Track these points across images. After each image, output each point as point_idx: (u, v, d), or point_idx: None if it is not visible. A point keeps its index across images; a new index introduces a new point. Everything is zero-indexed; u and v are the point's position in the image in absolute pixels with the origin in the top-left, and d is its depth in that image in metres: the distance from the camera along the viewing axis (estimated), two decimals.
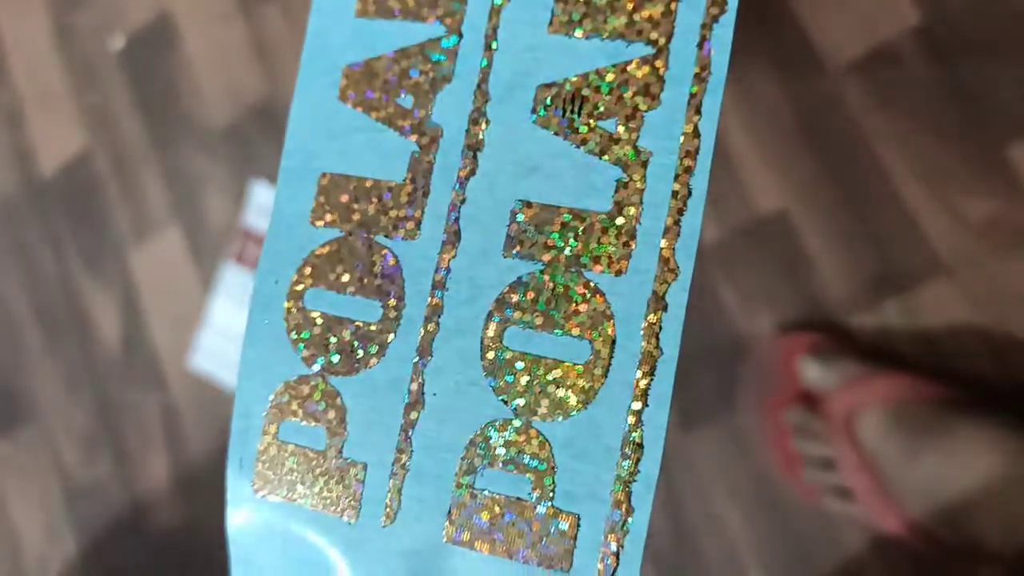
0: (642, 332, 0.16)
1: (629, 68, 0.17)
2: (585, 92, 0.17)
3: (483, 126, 0.17)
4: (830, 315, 0.47)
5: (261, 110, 0.60)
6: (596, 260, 0.17)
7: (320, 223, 0.18)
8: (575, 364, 0.16)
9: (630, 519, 0.16)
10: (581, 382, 0.16)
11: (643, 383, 0.16)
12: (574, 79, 0.17)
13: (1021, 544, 0.40)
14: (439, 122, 0.18)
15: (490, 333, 0.17)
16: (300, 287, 0.18)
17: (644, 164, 0.16)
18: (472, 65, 0.18)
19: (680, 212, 0.16)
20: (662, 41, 0.17)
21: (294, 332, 0.18)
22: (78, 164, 0.64)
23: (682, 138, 0.16)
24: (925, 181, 0.47)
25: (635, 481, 0.16)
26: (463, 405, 0.17)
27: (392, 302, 0.17)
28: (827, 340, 0.46)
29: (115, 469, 0.61)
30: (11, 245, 0.66)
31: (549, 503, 0.16)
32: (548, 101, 0.17)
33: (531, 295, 0.17)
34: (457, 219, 0.17)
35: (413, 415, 0.17)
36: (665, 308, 0.16)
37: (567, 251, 0.17)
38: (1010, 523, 0.40)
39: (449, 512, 0.16)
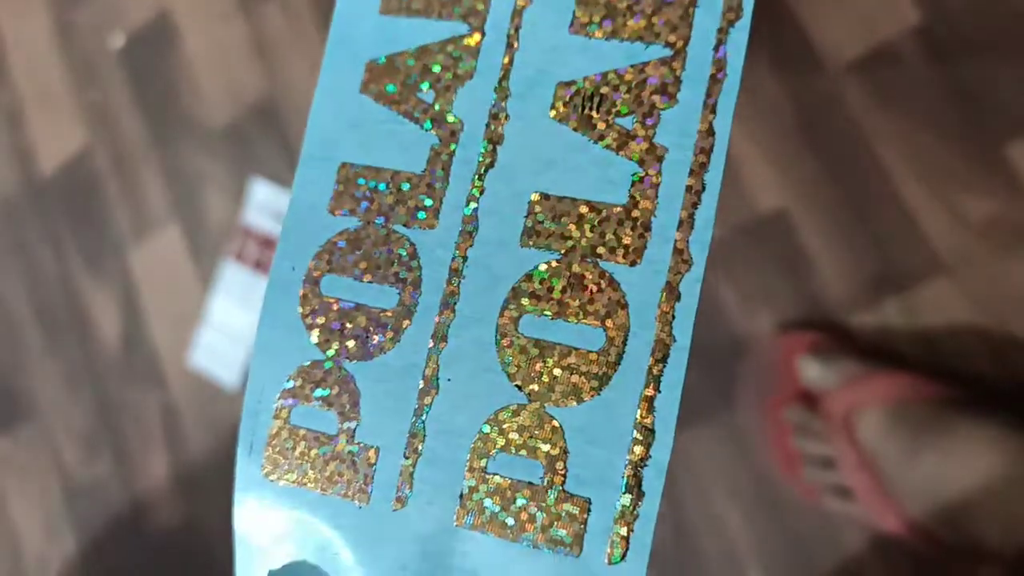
0: (655, 320, 0.16)
1: (647, 69, 0.17)
2: (604, 90, 0.18)
3: (503, 121, 0.18)
4: (830, 314, 0.48)
5: (261, 109, 0.60)
6: (612, 251, 0.17)
7: (338, 212, 0.18)
8: (589, 351, 0.17)
9: (640, 504, 0.16)
10: (594, 368, 0.17)
11: (656, 370, 0.16)
12: (593, 78, 0.18)
13: (1021, 543, 0.40)
14: (459, 116, 0.18)
15: (505, 321, 0.17)
16: (317, 273, 0.18)
17: (660, 159, 0.17)
18: (494, 63, 0.18)
19: (694, 206, 0.17)
20: (679, 44, 0.17)
21: (309, 317, 0.18)
22: (78, 163, 0.64)
23: (697, 136, 0.17)
24: (925, 180, 0.47)
25: (646, 467, 0.16)
26: (477, 390, 0.17)
27: (409, 289, 0.18)
28: (827, 339, 0.46)
29: (115, 467, 0.61)
30: (11, 243, 0.66)
31: (560, 488, 0.16)
32: (567, 98, 0.18)
33: (547, 284, 0.17)
34: (475, 210, 0.18)
35: (427, 400, 0.17)
36: (678, 298, 0.16)
37: (583, 242, 0.17)
38: (1010, 522, 0.40)
39: (461, 496, 0.17)
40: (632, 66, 0.17)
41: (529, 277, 0.17)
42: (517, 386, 0.17)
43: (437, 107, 0.18)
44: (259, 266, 0.58)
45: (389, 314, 0.18)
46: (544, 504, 0.16)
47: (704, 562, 0.48)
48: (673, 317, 0.16)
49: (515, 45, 0.18)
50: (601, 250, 0.17)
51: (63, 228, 0.64)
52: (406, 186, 0.18)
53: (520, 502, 0.16)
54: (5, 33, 0.68)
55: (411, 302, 0.18)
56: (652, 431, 0.16)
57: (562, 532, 0.16)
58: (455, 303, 0.17)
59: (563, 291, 0.17)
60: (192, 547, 0.58)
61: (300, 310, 0.18)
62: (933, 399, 0.43)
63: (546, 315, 0.17)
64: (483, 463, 0.17)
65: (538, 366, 0.17)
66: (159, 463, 0.60)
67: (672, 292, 0.16)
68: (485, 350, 0.17)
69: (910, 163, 0.47)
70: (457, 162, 0.18)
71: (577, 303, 0.17)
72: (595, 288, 0.17)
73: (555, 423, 0.17)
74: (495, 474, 0.17)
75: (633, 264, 0.17)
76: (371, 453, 0.17)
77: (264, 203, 0.59)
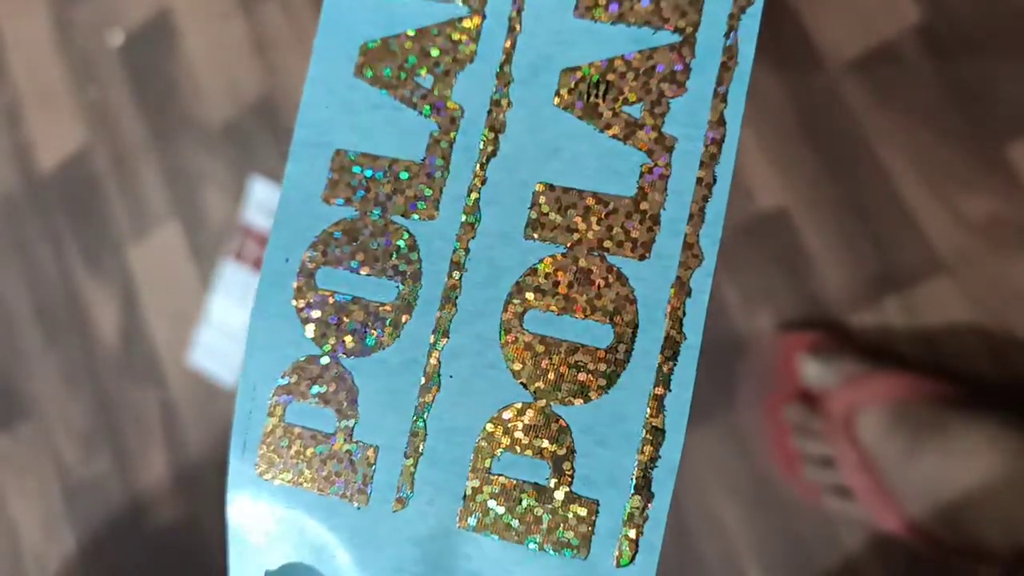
0: (665, 317, 0.16)
1: (655, 55, 0.17)
2: (610, 77, 0.17)
3: (505, 108, 0.17)
4: (830, 313, 0.47)
5: (260, 107, 0.60)
6: (619, 245, 0.16)
7: (333, 201, 0.18)
8: (597, 348, 0.16)
9: (650, 506, 0.15)
10: (602, 366, 0.16)
11: (666, 368, 0.16)
12: (599, 64, 0.17)
13: (1020, 543, 0.40)
14: (459, 102, 0.17)
15: (509, 315, 0.17)
16: (312, 265, 0.18)
17: (669, 150, 0.16)
18: (495, 47, 0.17)
19: (705, 199, 0.16)
20: (688, 29, 0.17)
21: (304, 311, 0.17)
22: (77, 161, 0.64)
23: (707, 126, 0.16)
24: (925, 179, 0.47)
25: (656, 467, 0.15)
26: (480, 388, 0.16)
27: (408, 282, 0.17)
28: (827, 338, 0.46)
29: (114, 466, 0.61)
30: (10, 242, 0.66)
31: (568, 489, 0.16)
32: (572, 85, 0.17)
33: (553, 278, 0.17)
34: (477, 200, 0.17)
35: (428, 397, 0.17)
36: (689, 293, 0.16)
37: (590, 235, 0.17)
38: (1010, 522, 0.40)
39: (464, 497, 0.16)
40: (639, 52, 0.17)
41: (534, 271, 0.17)
42: (522, 384, 0.16)
43: (436, 92, 0.18)
44: (258, 265, 0.58)
45: (388, 308, 0.17)
46: (550, 505, 0.16)
47: (704, 562, 0.48)
48: (683, 313, 0.16)
49: (517, 28, 0.17)
50: (608, 244, 0.16)
51: (62, 226, 0.64)
52: (404, 175, 0.17)
53: (525, 503, 0.16)
54: (4, 31, 0.68)
55: (411, 296, 0.17)
56: (662, 431, 0.16)
57: (569, 534, 0.16)
58: (457, 297, 0.17)
59: (569, 286, 0.16)
60: (191, 545, 0.58)
61: (295, 303, 0.17)
62: (933, 399, 0.43)
63: (552, 310, 0.16)
64: (487, 463, 0.16)
65: (544, 363, 0.16)
66: (158, 461, 0.60)
67: (682, 288, 0.16)
68: (489, 346, 0.16)
69: (910, 162, 0.47)
70: (457, 150, 0.17)
71: (584, 298, 0.16)
72: (602, 283, 0.16)
73: (562, 422, 0.16)
74: (499, 474, 0.16)
75: (642, 258, 0.16)
76: (370, 452, 0.17)
77: (263, 202, 0.59)
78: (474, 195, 0.17)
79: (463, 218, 0.17)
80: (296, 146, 0.18)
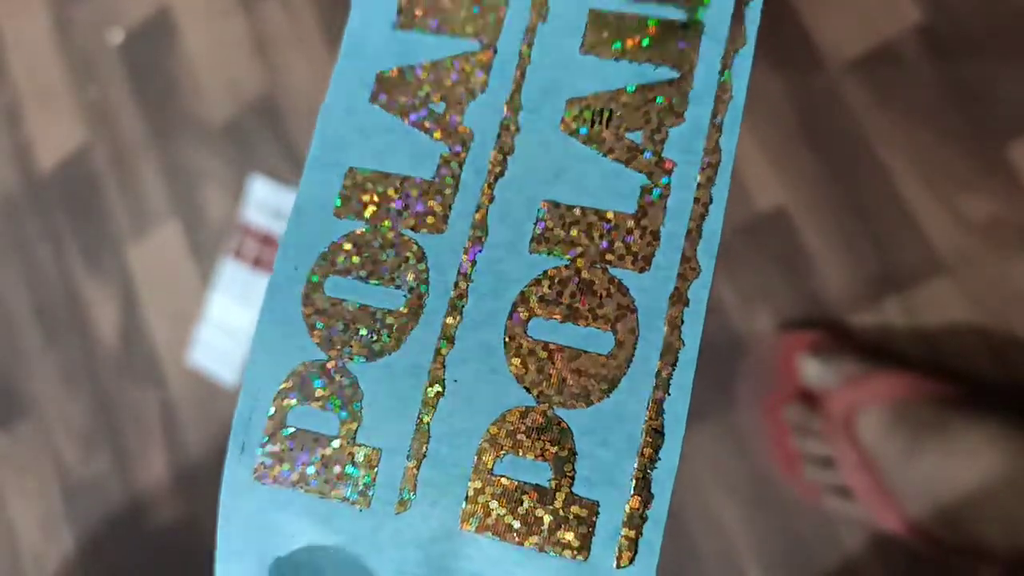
0: (664, 325, 0.17)
1: (655, 89, 0.18)
2: (612, 107, 0.18)
3: (513, 132, 0.18)
4: (830, 313, 0.47)
5: (260, 106, 0.60)
6: (620, 257, 0.17)
7: (344, 216, 0.19)
8: (598, 354, 0.17)
9: (650, 507, 0.16)
10: (604, 371, 0.17)
11: (665, 373, 0.16)
12: (602, 95, 0.18)
13: (1020, 543, 0.40)
14: (470, 127, 0.19)
15: (514, 323, 0.17)
16: (320, 274, 0.18)
17: (668, 172, 0.18)
18: (506, 78, 0.19)
19: (702, 217, 0.17)
20: (686, 67, 0.18)
21: (311, 317, 0.18)
22: (77, 160, 0.64)
23: (703, 152, 0.17)
24: (925, 179, 0.47)
25: (655, 468, 0.16)
26: (484, 392, 0.17)
27: (415, 291, 0.18)
28: (827, 338, 0.46)
29: (113, 465, 0.61)
30: (10, 241, 0.66)
31: (568, 490, 0.16)
32: (577, 112, 0.18)
33: (556, 289, 0.17)
34: (485, 216, 0.18)
35: (432, 400, 0.17)
36: (687, 303, 0.17)
37: (592, 249, 0.17)
38: (1010, 522, 0.40)
39: (466, 499, 0.16)
40: (640, 86, 0.18)
41: (538, 282, 0.17)
42: (525, 388, 0.17)
43: (448, 118, 0.19)
44: (258, 263, 0.58)
45: (395, 315, 0.18)
46: (551, 507, 0.16)
47: (703, 562, 0.48)
48: (682, 322, 0.17)
49: (527, 61, 0.19)
50: (610, 257, 0.17)
51: (62, 225, 0.64)
52: (414, 192, 0.18)
53: (527, 505, 0.16)
54: (4, 30, 0.68)
55: (417, 304, 0.18)
56: (661, 433, 0.16)
57: (569, 535, 0.16)
58: (463, 306, 0.17)
59: (572, 296, 0.17)
60: (190, 545, 0.58)
61: (302, 310, 0.18)
62: (933, 398, 0.43)
63: (555, 318, 0.17)
64: (489, 465, 0.16)
65: (547, 368, 0.17)
66: (158, 461, 0.60)
67: (680, 298, 0.17)
68: (493, 352, 0.17)
69: (910, 162, 0.47)
70: (467, 170, 0.18)
71: (586, 308, 0.17)
72: (604, 293, 0.17)
73: (563, 425, 0.16)
74: (501, 476, 0.16)
75: (642, 270, 0.17)
76: (372, 455, 0.17)
77: (263, 200, 0.59)
78: (482, 211, 0.18)
79: (470, 232, 0.18)
80: (311, 162, 0.19)
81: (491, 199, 0.18)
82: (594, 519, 0.16)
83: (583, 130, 0.18)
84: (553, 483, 0.16)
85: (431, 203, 0.18)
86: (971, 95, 0.46)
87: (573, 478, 0.16)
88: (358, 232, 0.18)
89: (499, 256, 0.18)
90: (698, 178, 0.17)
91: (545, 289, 0.17)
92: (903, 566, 0.45)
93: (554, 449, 0.16)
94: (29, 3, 0.67)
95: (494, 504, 0.16)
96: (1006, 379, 0.45)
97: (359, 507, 0.17)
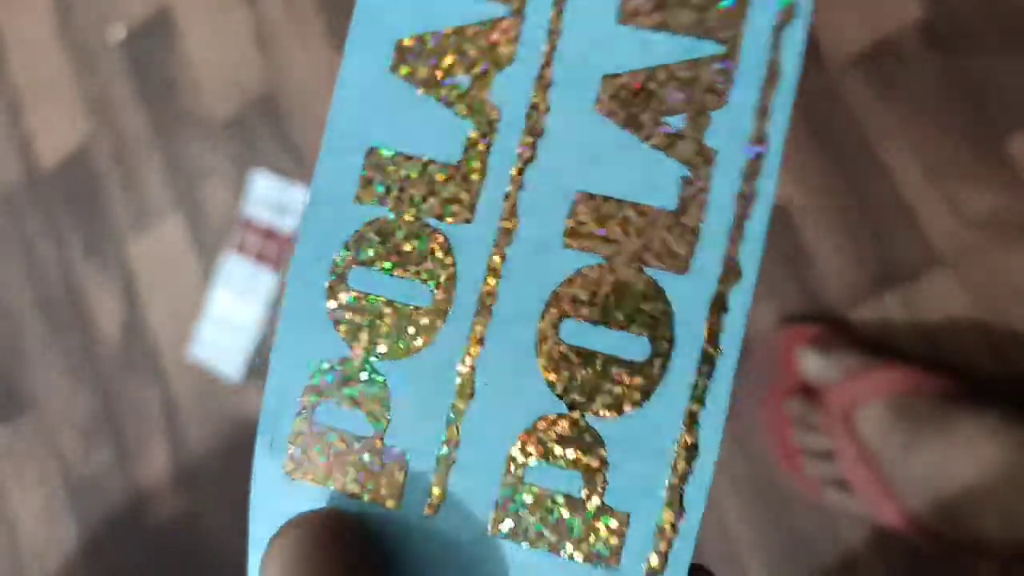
0: (702, 332, 0.16)
1: (698, 65, 0.16)
2: (651, 86, 0.17)
3: (543, 112, 0.17)
4: (830, 308, 0.48)
5: (261, 101, 0.60)
6: (658, 257, 0.16)
7: (365, 201, 0.17)
8: (633, 361, 0.16)
9: (681, 520, 0.15)
10: (638, 380, 0.16)
11: (701, 384, 0.16)
12: (641, 72, 0.17)
13: (1019, 537, 0.40)
14: (497, 104, 0.17)
15: (546, 325, 0.16)
16: (344, 266, 0.17)
17: (709, 163, 0.16)
18: (534, 49, 0.17)
19: (746, 214, 0.16)
20: (732, 41, 0.16)
21: (336, 312, 0.17)
22: (78, 155, 0.64)
23: (748, 140, 0.16)
24: (926, 174, 0.47)
25: (688, 483, 0.15)
26: (515, 397, 0.16)
27: (443, 286, 0.17)
28: (827, 332, 0.46)
29: (115, 460, 0.61)
30: (11, 236, 0.66)
31: (599, 500, 0.16)
32: (613, 92, 0.17)
33: (590, 289, 0.16)
34: (514, 206, 0.17)
35: (462, 404, 0.17)
36: (727, 310, 0.16)
37: (629, 246, 0.16)
38: (1009, 516, 0.40)
39: (496, 504, 0.16)
40: (682, 62, 0.16)
41: (571, 281, 0.16)
42: (558, 395, 0.16)
43: (473, 93, 0.17)
44: (260, 258, 0.58)
45: (423, 312, 0.17)
46: (582, 516, 0.16)
47: (704, 558, 0.49)
48: (721, 330, 0.16)
49: (557, 32, 0.17)
50: (647, 256, 0.16)
51: (63, 221, 0.64)
52: (439, 176, 0.17)
53: (557, 513, 0.16)
54: (6, 26, 0.68)
55: (446, 301, 0.17)
56: (695, 447, 0.16)
57: (599, 545, 0.16)
58: (492, 304, 0.17)
59: (606, 297, 0.16)
60: (191, 540, 0.58)
61: (326, 304, 0.17)
62: (933, 393, 0.43)
63: (589, 322, 0.16)
64: (520, 472, 0.16)
65: (579, 374, 0.16)
66: (159, 456, 0.60)
67: (720, 304, 0.16)
68: (524, 355, 0.16)
69: (911, 157, 0.47)
70: (495, 153, 0.17)
71: (621, 311, 0.16)
72: (640, 296, 0.16)
73: (595, 434, 0.16)
74: (532, 483, 0.16)
75: (680, 272, 0.16)
76: (402, 456, 0.16)
77: (265, 195, 0.59)
78: (511, 201, 0.17)
79: (500, 224, 0.17)
80: (328, 143, 0.18)
81: (520, 187, 0.17)
82: (625, 530, 0.16)
83: (620, 112, 0.17)
84: (584, 492, 0.16)
85: (457, 190, 0.17)
86: (971, 90, 0.46)
87: (604, 488, 0.16)
88: (381, 219, 0.17)
89: (530, 252, 0.17)
90: (742, 170, 0.16)
91: (578, 289, 0.16)
92: (903, 561, 0.45)
93: (585, 458, 0.16)
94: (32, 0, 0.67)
95: (524, 511, 0.16)
96: (1005, 373, 0.45)
97: (388, 508, 0.16)
